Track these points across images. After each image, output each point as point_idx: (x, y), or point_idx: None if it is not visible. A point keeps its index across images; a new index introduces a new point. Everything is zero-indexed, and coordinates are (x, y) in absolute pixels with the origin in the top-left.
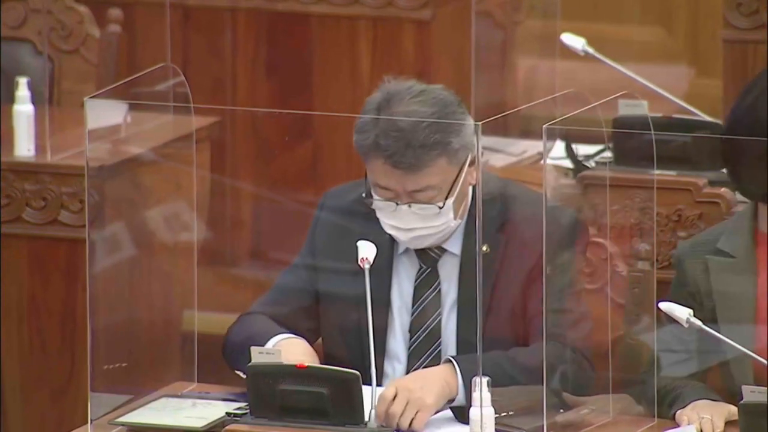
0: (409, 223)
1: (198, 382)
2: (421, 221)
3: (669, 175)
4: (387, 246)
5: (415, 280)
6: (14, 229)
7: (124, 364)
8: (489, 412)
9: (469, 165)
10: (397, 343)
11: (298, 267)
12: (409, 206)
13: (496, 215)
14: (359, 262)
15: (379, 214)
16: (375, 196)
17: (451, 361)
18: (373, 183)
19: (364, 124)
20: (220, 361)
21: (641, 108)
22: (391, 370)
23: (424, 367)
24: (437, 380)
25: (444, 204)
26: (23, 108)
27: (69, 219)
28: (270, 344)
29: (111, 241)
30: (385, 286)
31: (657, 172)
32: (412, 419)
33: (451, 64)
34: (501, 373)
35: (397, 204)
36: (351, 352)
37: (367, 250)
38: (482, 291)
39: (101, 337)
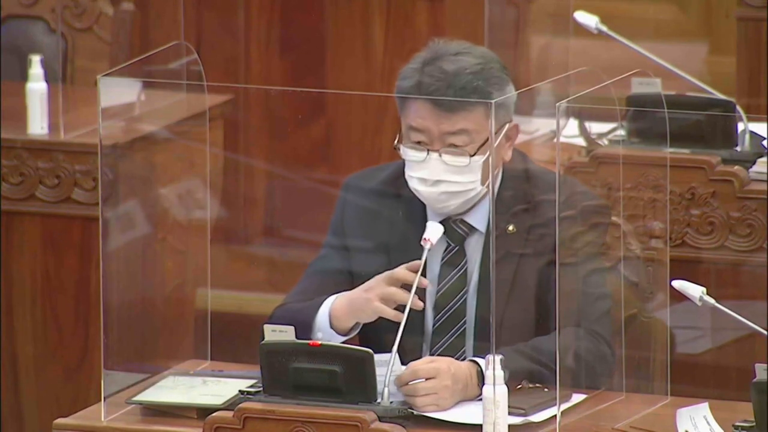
0: (437, 174)
1: (211, 360)
2: (449, 174)
3: (682, 153)
4: (419, 226)
5: (442, 259)
6: (28, 207)
7: (126, 364)
8: (502, 390)
9: (506, 139)
10: (426, 321)
11: (329, 253)
12: (440, 155)
13: (521, 194)
14: (421, 242)
15: (407, 170)
16: (404, 146)
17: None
18: (407, 128)
19: (407, 71)
20: (233, 339)
21: (655, 86)
22: (426, 347)
23: (448, 345)
24: (465, 382)
25: (475, 153)
26: (36, 86)
27: (82, 197)
28: (323, 313)
29: (124, 219)
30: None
31: (670, 150)
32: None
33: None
34: (527, 365)
35: (428, 152)
36: (387, 331)
37: (432, 232)
38: (503, 271)
39: (115, 315)
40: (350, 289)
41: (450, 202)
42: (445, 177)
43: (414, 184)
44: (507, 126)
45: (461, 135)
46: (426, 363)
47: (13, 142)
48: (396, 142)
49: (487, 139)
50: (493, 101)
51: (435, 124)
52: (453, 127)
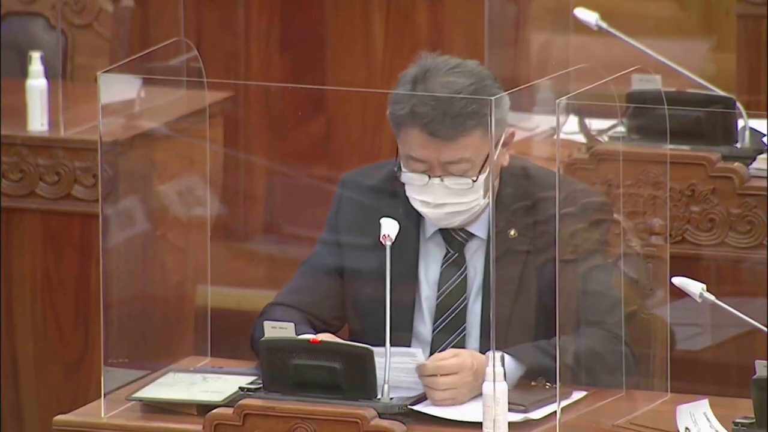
0: (441, 198)
1: (211, 356)
2: (453, 196)
3: (682, 149)
4: (414, 228)
5: (442, 264)
6: (28, 203)
7: (126, 360)
8: (502, 387)
9: (503, 146)
10: (424, 325)
11: (321, 250)
12: (442, 180)
13: (520, 197)
14: (381, 239)
15: (408, 191)
16: (405, 170)
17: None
18: (406, 156)
19: (399, 96)
20: (233, 336)
21: (655, 82)
22: (426, 352)
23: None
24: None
25: (477, 178)
26: (36, 82)
27: (82, 194)
28: None
29: (124, 216)
30: (412, 266)
31: (670, 146)
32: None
33: (464, 39)
34: (548, 362)
35: (429, 177)
36: (375, 329)
37: (389, 227)
38: (509, 271)
39: (115, 312)
40: (340, 287)
41: (454, 219)
42: (449, 200)
43: (417, 206)
44: (504, 134)
45: (461, 164)
46: (450, 357)
47: (13, 138)
48: (396, 169)
49: (488, 158)
50: (492, 98)
51: (435, 153)
52: (453, 157)
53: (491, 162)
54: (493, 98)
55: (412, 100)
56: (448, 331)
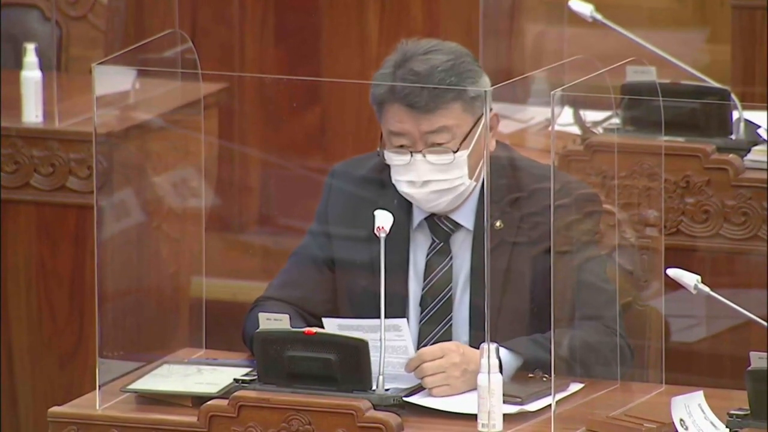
0: (424, 175)
1: (206, 348)
2: (436, 173)
3: (677, 141)
4: (404, 219)
5: (427, 255)
6: (22, 195)
7: (120, 351)
8: (497, 379)
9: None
10: (410, 315)
11: (311, 242)
12: (424, 156)
13: (506, 188)
14: (375, 231)
15: (394, 175)
16: (387, 152)
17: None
18: (388, 133)
19: (380, 76)
20: (228, 328)
21: (649, 74)
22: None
23: (435, 339)
24: (477, 363)
25: (458, 149)
26: (31, 74)
27: (77, 185)
28: None
29: (119, 208)
30: (402, 258)
31: (665, 138)
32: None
33: (459, 30)
34: (543, 356)
35: (412, 154)
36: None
37: (383, 219)
38: (496, 261)
39: (109, 304)
40: (331, 279)
41: (440, 200)
42: (433, 176)
43: (402, 188)
44: (486, 116)
45: (442, 133)
46: (434, 346)
47: (8, 130)
48: (379, 147)
49: (469, 133)
50: (489, 89)
51: (414, 126)
52: (432, 126)
53: (485, 148)
54: (489, 90)
55: (391, 80)
56: (435, 321)
